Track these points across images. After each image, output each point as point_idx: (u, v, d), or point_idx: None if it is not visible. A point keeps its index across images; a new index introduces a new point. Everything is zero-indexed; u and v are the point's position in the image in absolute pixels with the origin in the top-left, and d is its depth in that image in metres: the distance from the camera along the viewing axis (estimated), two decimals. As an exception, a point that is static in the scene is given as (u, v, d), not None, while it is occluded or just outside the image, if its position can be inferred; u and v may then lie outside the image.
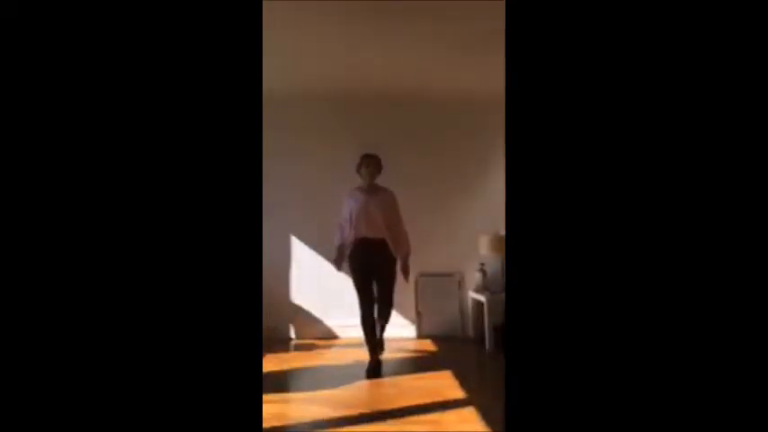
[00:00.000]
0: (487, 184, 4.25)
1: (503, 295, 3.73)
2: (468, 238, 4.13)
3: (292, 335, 4.10)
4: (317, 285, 4.12)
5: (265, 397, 2.44)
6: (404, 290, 4.09)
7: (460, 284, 4.20)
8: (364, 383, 2.76)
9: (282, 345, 3.82)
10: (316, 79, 3.88)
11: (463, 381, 2.77)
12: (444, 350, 3.62)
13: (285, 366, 3.17)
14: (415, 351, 3.62)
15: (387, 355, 3.42)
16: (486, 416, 2.16)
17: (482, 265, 4.02)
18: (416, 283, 4.17)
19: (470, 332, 4.10)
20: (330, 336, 4.09)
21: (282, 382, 2.83)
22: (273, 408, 2.31)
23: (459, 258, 4.19)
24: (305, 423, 2.12)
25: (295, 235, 4.19)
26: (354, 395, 2.53)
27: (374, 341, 3.03)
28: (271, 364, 3.21)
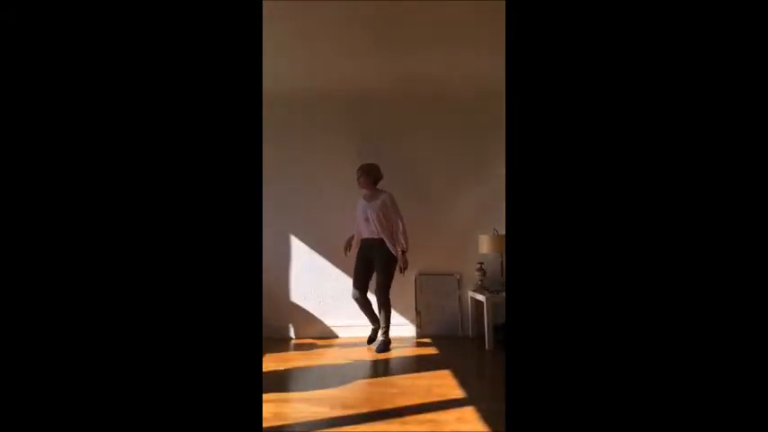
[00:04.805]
0: (487, 183, 4.25)
1: (502, 295, 3.73)
2: (467, 238, 4.13)
3: (292, 335, 4.10)
4: (317, 285, 4.12)
5: (265, 397, 2.44)
6: (404, 289, 4.11)
7: (460, 284, 4.20)
8: (364, 383, 2.77)
9: (282, 344, 3.82)
10: (316, 79, 3.88)
11: (463, 380, 2.77)
12: (444, 350, 3.61)
13: (285, 366, 3.18)
14: (415, 351, 3.62)
15: (386, 354, 3.43)
16: (485, 416, 2.16)
17: (481, 264, 4.02)
18: (416, 282, 4.18)
19: (470, 331, 4.10)
20: (330, 335, 4.09)
21: (282, 382, 2.83)
22: (273, 407, 2.31)
23: (459, 258, 4.19)
24: (304, 423, 2.12)
25: (295, 235, 4.19)
26: (354, 395, 2.53)
27: (369, 314, 3.62)
28: (271, 363, 3.21)
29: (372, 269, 3.57)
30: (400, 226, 3.56)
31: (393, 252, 3.49)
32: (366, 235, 3.59)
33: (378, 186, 3.64)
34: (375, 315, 3.61)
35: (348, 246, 3.68)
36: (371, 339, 3.63)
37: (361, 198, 3.68)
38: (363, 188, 3.63)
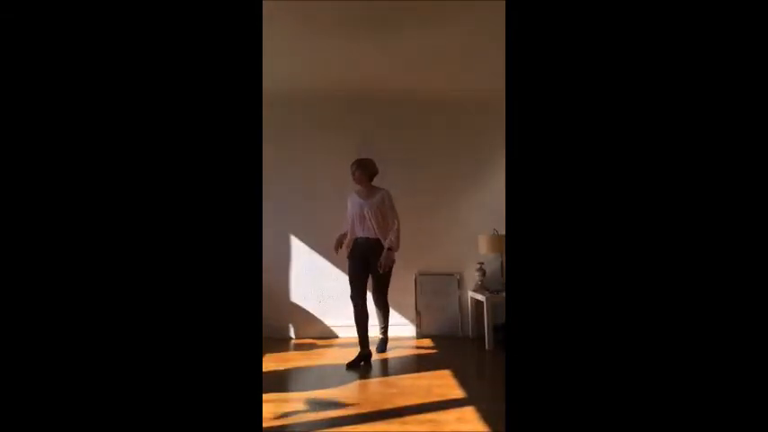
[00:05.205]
0: (487, 184, 4.25)
1: (502, 295, 3.73)
2: (467, 238, 4.14)
3: (292, 335, 4.10)
4: (317, 285, 4.12)
5: (265, 396, 2.44)
6: (404, 289, 4.11)
7: (460, 284, 4.20)
8: (364, 383, 2.77)
9: (282, 344, 3.82)
10: (316, 79, 3.88)
11: (463, 380, 2.77)
12: (444, 350, 3.62)
13: (285, 366, 3.18)
14: (415, 351, 3.62)
15: (386, 354, 3.43)
16: (485, 416, 2.16)
17: (481, 264, 4.02)
18: (416, 282, 4.18)
19: (470, 331, 4.10)
20: (330, 335, 4.10)
21: (282, 382, 2.83)
22: (273, 407, 2.31)
23: (459, 258, 4.20)
24: (305, 423, 2.12)
25: (295, 235, 4.19)
26: (354, 395, 2.53)
27: (361, 334, 3.26)
28: (271, 363, 3.21)
29: (369, 270, 3.28)
30: (396, 224, 3.28)
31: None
32: (361, 234, 3.30)
33: (373, 183, 3.38)
34: (366, 336, 3.27)
35: (339, 244, 3.39)
36: (352, 365, 3.14)
37: (352, 194, 3.40)
38: (358, 183, 3.36)
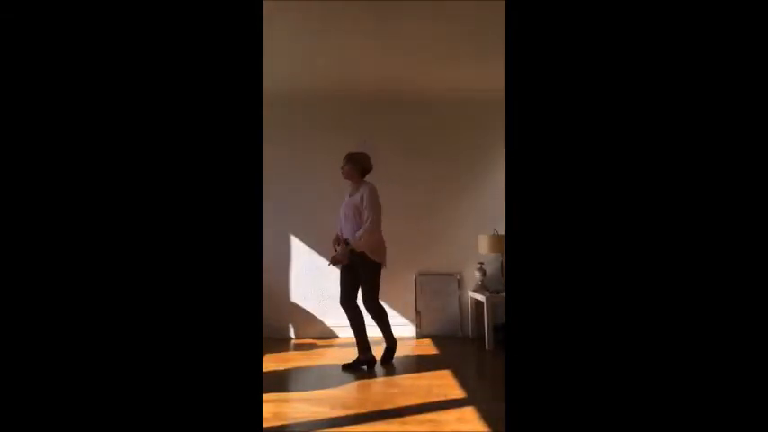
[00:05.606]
0: (487, 184, 4.25)
1: (502, 294, 3.73)
2: (467, 238, 4.14)
3: (292, 335, 4.10)
4: (317, 285, 4.12)
5: (265, 396, 2.44)
6: (404, 289, 4.11)
7: (460, 284, 4.20)
8: (364, 383, 2.77)
9: (282, 344, 3.82)
10: (315, 79, 3.88)
11: (463, 380, 2.77)
12: (444, 350, 3.62)
13: (285, 366, 3.18)
14: (415, 351, 3.62)
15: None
16: (485, 416, 2.16)
17: (481, 264, 4.02)
18: (416, 282, 4.18)
19: (470, 331, 4.10)
20: (330, 335, 4.10)
21: (282, 382, 2.83)
22: (273, 407, 2.31)
23: (459, 258, 4.20)
24: (304, 423, 2.12)
25: (295, 235, 4.19)
26: (354, 395, 2.53)
27: (357, 338, 3.09)
28: (271, 363, 3.21)
29: (357, 275, 3.05)
30: (368, 220, 2.92)
31: (372, 257, 2.98)
32: (346, 236, 3.06)
33: (366, 179, 3.12)
34: (364, 339, 3.07)
35: (337, 241, 3.16)
36: (348, 366, 3.04)
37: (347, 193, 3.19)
38: (347, 179, 3.09)
